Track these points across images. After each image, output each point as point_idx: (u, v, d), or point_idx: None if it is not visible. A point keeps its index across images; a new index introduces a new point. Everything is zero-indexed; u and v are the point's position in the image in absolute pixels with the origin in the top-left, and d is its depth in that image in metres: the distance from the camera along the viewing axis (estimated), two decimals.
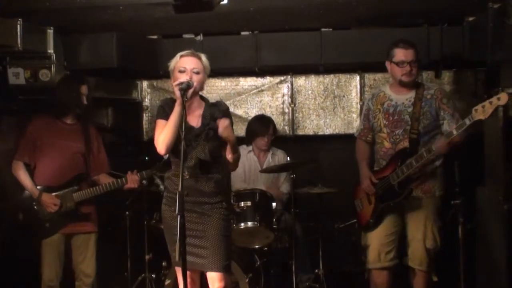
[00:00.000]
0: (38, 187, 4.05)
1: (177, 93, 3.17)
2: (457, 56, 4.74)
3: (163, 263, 4.41)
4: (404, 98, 3.88)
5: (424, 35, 4.67)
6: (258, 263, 4.45)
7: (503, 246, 4.02)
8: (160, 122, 3.33)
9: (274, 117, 5.33)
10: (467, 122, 3.52)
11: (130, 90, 5.60)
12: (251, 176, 5.02)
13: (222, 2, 3.78)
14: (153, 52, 5.06)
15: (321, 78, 5.37)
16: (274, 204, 4.54)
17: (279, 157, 5.07)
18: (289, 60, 5.07)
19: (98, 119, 5.64)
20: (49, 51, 4.48)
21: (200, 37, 5.03)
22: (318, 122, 5.39)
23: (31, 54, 4.39)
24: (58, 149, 4.08)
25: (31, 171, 4.08)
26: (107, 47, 4.67)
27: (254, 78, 5.44)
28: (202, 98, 3.45)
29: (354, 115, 5.32)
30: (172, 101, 3.33)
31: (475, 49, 4.44)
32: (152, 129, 5.38)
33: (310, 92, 5.40)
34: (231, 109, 5.34)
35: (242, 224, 4.33)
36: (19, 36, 4.11)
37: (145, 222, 4.57)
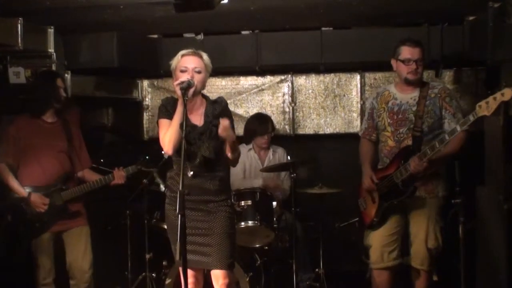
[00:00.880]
0: (25, 187, 4.02)
1: (178, 92, 3.18)
2: (457, 55, 4.74)
3: (164, 262, 4.42)
4: (408, 97, 3.87)
5: (424, 34, 4.67)
6: (259, 262, 4.46)
7: (503, 246, 4.02)
8: (164, 122, 3.32)
9: (274, 116, 5.34)
10: (471, 118, 3.50)
11: (131, 90, 5.60)
12: (251, 174, 5.02)
13: (222, 1, 3.79)
14: (154, 52, 5.06)
15: (321, 77, 5.38)
16: (274, 204, 4.54)
17: (279, 154, 5.07)
18: (289, 59, 5.08)
19: (98, 118, 5.65)
20: (49, 50, 4.48)
21: (200, 36, 5.04)
22: (318, 121, 5.39)
23: (32, 53, 4.39)
24: (43, 149, 4.05)
25: (14, 172, 4.03)
26: (107, 46, 4.66)
27: (255, 77, 5.44)
28: (204, 96, 3.45)
29: (355, 115, 5.33)
30: (174, 100, 3.33)
31: (475, 48, 4.44)
32: (153, 128, 5.45)
33: (310, 91, 5.40)
34: (232, 109, 5.37)
35: (243, 223, 4.33)
36: (19, 36, 4.11)
37: (146, 221, 4.58)
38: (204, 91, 3.46)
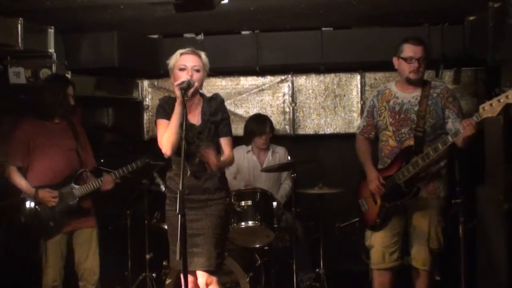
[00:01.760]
0: (35, 187, 4.02)
1: (178, 93, 3.18)
2: (457, 55, 4.74)
3: (164, 263, 4.42)
4: (410, 96, 3.83)
5: (424, 34, 4.67)
6: (259, 262, 4.46)
7: (504, 245, 4.03)
8: (162, 122, 3.32)
9: (274, 116, 5.34)
10: (475, 119, 3.47)
11: (131, 90, 5.60)
12: (251, 175, 5.02)
13: (222, 2, 3.78)
14: (154, 52, 5.07)
15: (321, 77, 5.38)
16: (274, 204, 4.54)
17: (280, 154, 5.07)
18: (289, 59, 5.08)
19: (98, 118, 5.65)
20: (50, 50, 4.48)
21: (201, 37, 5.05)
22: (318, 122, 5.40)
23: (32, 53, 4.39)
24: (52, 149, 4.07)
25: (23, 174, 4.05)
26: (108, 46, 4.67)
27: (255, 77, 5.45)
28: (201, 94, 3.45)
29: (355, 114, 5.33)
30: (172, 100, 3.33)
31: (476, 48, 4.44)
32: (153, 128, 5.43)
33: (310, 91, 5.40)
34: (232, 109, 5.39)
35: (243, 223, 4.33)
36: (20, 36, 4.11)
37: (146, 222, 4.58)
38: (204, 91, 3.47)
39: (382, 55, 4.35)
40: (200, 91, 3.43)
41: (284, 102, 5.43)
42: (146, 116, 5.65)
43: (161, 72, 5.02)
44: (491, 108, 3.39)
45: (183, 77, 3.23)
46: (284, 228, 4.66)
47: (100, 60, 4.72)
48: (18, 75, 4.43)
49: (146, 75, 5.55)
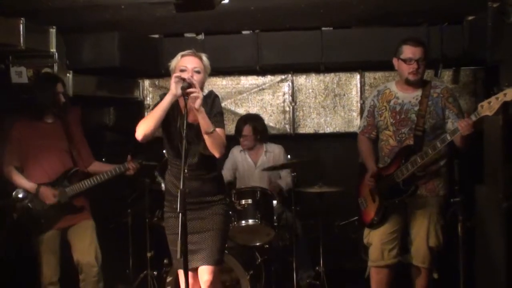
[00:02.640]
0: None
1: (174, 91, 3.18)
2: (456, 55, 4.75)
3: (165, 261, 4.43)
4: (410, 96, 3.85)
5: (424, 34, 4.68)
6: (259, 260, 4.48)
7: (502, 244, 4.03)
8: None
9: (275, 116, 5.36)
10: (473, 118, 3.46)
11: (132, 89, 5.62)
12: (245, 174, 5.06)
13: (223, 1, 3.80)
14: (155, 51, 5.09)
15: (321, 76, 5.40)
16: (275, 202, 4.56)
17: (275, 153, 5.08)
18: (289, 59, 5.10)
19: (100, 118, 5.66)
20: (51, 50, 4.49)
21: (201, 36, 5.06)
22: (318, 121, 5.41)
23: (34, 53, 4.41)
24: (43, 150, 4.10)
25: (20, 173, 4.08)
26: (109, 46, 4.69)
27: (255, 77, 5.46)
28: None
29: (355, 114, 5.35)
30: None
31: (475, 48, 4.45)
32: None
33: (310, 90, 5.42)
34: (232, 108, 5.41)
35: (243, 221, 4.35)
36: (21, 35, 4.13)
37: (147, 220, 4.60)
38: (205, 91, 3.48)
39: (381, 54, 4.37)
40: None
41: (284, 101, 5.45)
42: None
43: (162, 71, 5.04)
44: (489, 106, 3.41)
45: (184, 74, 3.23)
46: (284, 227, 4.68)
47: (101, 60, 4.74)
48: (20, 74, 4.45)
49: (147, 74, 5.57)
